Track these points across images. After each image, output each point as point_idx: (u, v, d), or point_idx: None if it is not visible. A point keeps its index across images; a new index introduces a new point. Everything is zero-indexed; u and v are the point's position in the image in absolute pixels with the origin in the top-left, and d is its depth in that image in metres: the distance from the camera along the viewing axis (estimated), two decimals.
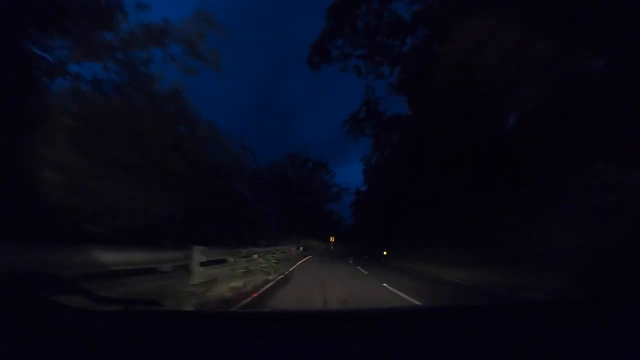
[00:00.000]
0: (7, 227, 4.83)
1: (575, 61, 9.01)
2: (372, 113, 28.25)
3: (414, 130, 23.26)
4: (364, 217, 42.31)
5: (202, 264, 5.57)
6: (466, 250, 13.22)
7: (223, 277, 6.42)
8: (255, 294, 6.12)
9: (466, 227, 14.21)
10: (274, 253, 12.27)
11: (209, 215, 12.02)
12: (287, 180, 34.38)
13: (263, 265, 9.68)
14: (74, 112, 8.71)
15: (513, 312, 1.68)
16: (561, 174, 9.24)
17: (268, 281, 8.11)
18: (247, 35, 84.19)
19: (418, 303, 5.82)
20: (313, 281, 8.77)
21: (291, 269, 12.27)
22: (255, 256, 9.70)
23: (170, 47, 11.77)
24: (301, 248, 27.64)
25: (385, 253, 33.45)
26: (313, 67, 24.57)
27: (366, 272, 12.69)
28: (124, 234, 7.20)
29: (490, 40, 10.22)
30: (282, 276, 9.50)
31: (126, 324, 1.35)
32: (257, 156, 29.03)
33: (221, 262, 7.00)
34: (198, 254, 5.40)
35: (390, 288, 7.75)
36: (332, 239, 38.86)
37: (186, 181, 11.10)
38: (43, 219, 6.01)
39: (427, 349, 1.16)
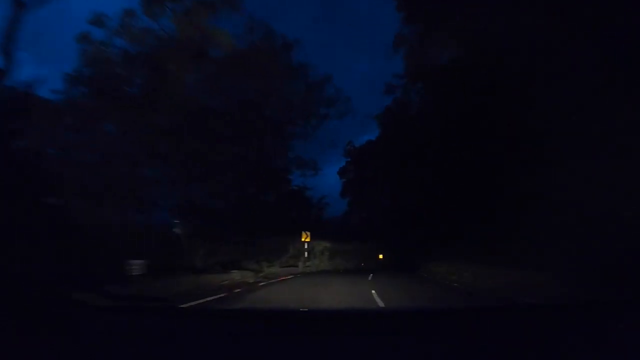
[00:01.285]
0: None
1: None
2: None
3: None
4: (370, 190, 22.52)
5: None
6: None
7: None
8: None
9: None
10: None
11: None
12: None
13: None
14: None
15: (513, 315, 1.64)
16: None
17: None
18: None
19: None
20: None
21: None
22: None
23: None
24: None
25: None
26: None
27: None
28: None
29: None
30: None
31: (133, 320, 1.39)
32: None
33: None
34: None
35: None
36: (305, 237, 18.14)
37: None
38: None
39: (428, 351, 1.15)
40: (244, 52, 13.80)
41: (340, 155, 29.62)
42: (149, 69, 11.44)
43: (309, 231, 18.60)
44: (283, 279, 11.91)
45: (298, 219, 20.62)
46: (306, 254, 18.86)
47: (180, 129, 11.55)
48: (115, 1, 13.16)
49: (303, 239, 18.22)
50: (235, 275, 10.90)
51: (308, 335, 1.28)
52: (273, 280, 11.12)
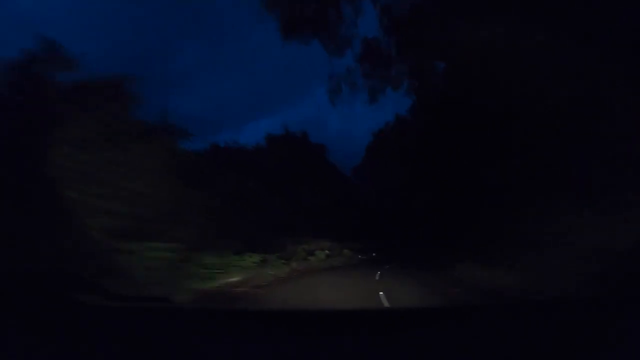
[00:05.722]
0: None
1: None
2: None
3: None
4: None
5: None
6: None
7: None
8: None
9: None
10: None
11: None
12: None
13: None
14: None
15: (513, 312, 1.61)
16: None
17: None
18: None
19: None
20: None
21: None
22: None
23: None
24: None
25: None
26: None
27: None
28: None
29: None
30: None
31: (135, 320, 1.37)
32: None
33: None
34: None
35: None
36: None
37: None
38: None
39: (425, 349, 1.13)
40: None
41: None
42: None
43: None
44: None
45: None
46: None
47: None
48: None
49: None
50: None
51: (306, 334, 1.25)
52: None
